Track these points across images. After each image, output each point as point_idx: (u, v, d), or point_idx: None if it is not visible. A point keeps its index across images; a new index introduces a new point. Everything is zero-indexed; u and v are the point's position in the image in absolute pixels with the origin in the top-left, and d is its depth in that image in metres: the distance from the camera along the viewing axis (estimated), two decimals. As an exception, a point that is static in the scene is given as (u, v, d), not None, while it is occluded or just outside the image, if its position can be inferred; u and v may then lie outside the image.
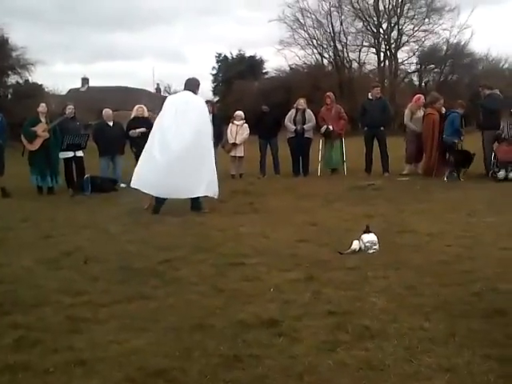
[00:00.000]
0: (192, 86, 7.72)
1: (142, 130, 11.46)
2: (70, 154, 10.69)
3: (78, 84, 47.34)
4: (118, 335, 3.31)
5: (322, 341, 3.14)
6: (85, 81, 47.42)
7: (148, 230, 6.59)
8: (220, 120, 12.49)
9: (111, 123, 11.65)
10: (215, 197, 7.58)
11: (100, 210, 8.25)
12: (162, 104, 7.91)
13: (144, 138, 11.45)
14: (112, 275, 4.61)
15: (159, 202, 7.60)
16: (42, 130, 10.11)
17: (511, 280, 4.11)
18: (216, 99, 38.38)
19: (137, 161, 11.70)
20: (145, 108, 12.12)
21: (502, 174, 10.25)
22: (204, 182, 7.41)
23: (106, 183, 10.70)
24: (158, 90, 46.72)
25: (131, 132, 11.53)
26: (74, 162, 10.78)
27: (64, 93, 38.81)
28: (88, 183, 10.28)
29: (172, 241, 5.86)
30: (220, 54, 44.29)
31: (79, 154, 10.81)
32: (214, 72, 44.65)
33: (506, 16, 55.82)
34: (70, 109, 10.89)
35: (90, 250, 5.54)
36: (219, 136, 12.17)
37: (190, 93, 7.67)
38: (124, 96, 36.80)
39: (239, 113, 12.78)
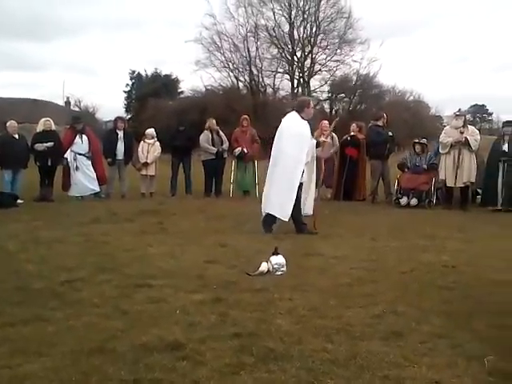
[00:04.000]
0: (297, 106, 7.77)
1: (50, 144, 11.11)
2: (-31, 167, 10.10)
3: (-18, 94, 45.07)
4: (10, 360, 3.11)
5: (226, 363, 3.10)
6: (-10, 91, 45.20)
7: (49, 248, 6.28)
8: (131, 137, 12.27)
9: (16, 136, 11.17)
10: (286, 220, 7.53)
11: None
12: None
13: (50, 152, 11.13)
14: (7, 296, 4.34)
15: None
16: None
17: (409, 303, 4.28)
18: (129, 116, 37.72)
19: (41, 175, 11.32)
20: (52, 121, 11.72)
21: (404, 200, 10.76)
22: (278, 203, 7.48)
23: (5, 198, 10.18)
24: (67, 103, 45.16)
25: (37, 145, 11.12)
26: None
27: (-33, 102, 36.74)
28: (-14, 198, 9.72)
29: (74, 261, 5.62)
30: (134, 71, 43.57)
31: (-21, 167, 10.23)
32: (128, 89, 43.86)
33: (411, 50, 59.66)
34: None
35: (-15, 268, 5.20)
36: (129, 153, 11.99)
37: (293, 113, 7.68)
38: (31, 108, 35.30)
39: (150, 131, 12.58)
